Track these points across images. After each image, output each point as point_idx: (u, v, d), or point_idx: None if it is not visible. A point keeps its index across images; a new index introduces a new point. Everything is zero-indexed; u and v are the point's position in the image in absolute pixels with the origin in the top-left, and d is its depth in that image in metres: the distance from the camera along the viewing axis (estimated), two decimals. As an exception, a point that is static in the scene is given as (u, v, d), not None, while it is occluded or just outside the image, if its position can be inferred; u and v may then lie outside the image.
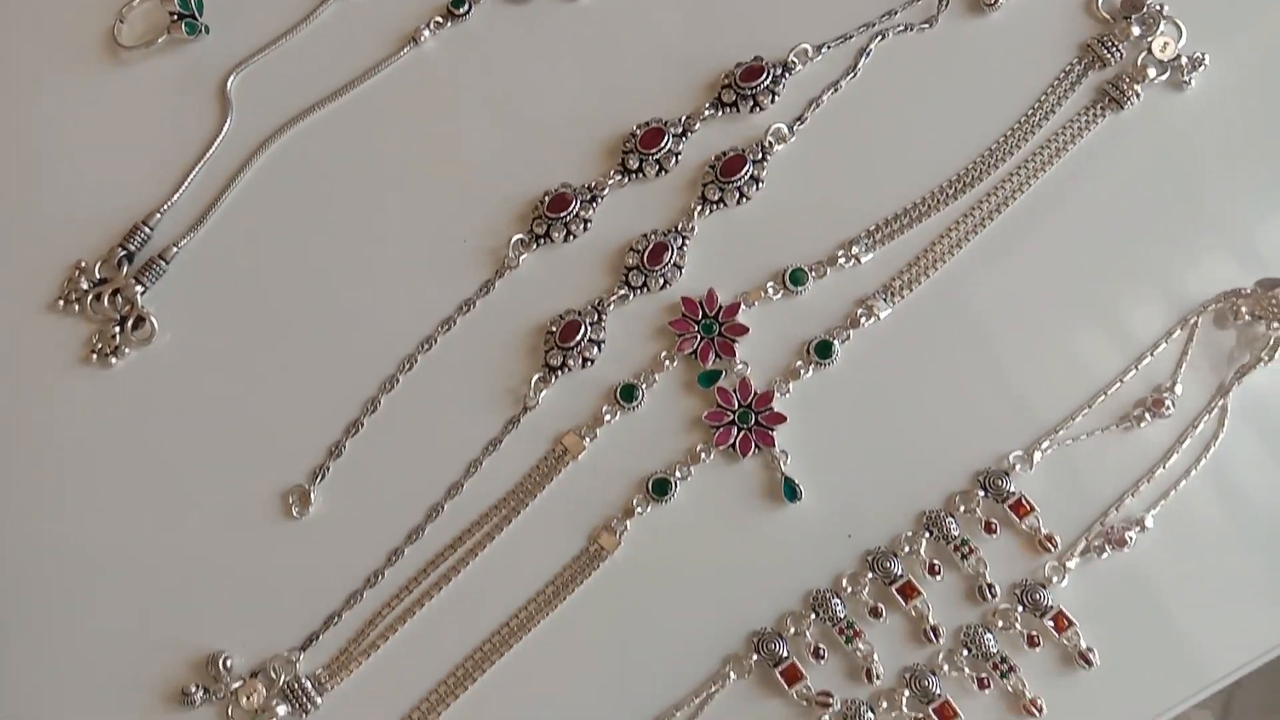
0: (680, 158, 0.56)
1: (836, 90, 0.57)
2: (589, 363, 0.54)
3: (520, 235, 0.55)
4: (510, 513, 0.52)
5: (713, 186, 0.55)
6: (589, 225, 0.56)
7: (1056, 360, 0.54)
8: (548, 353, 0.54)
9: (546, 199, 0.55)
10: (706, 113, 0.57)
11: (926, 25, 0.58)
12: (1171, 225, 0.55)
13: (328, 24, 0.59)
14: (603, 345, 0.54)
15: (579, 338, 0.53)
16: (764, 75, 0.56)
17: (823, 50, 0.58)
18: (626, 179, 0.56)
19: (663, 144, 0.56)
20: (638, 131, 0.56)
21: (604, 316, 0.54)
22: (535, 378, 0.53)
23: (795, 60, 0.57)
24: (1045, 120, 0.57)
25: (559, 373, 0.53)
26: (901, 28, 0.58)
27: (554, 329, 0.54)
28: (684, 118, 0.57)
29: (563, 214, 0.55)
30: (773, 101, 0.57)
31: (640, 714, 0.50)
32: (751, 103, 0.57)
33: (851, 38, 0.58)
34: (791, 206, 0.56)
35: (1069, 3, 0.59)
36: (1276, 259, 0.54)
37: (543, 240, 0.55)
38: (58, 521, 0.52)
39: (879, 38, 0.58)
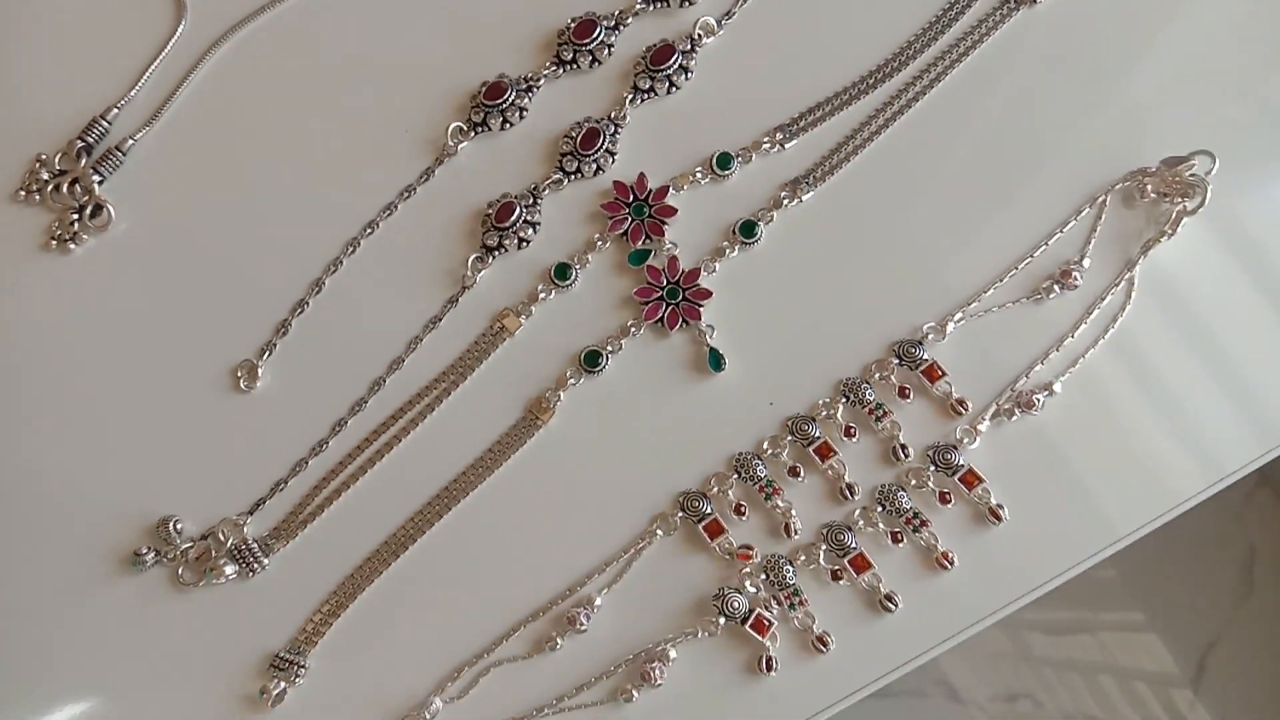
0: (613, 50, 0.56)
1: (763, -14, 0.57)
2: (525, 244, 0.53)
3: (459, 124, 0.55)
4: (450, 386, 0.52)
5: (644, 76, 0.55)
6: (525, 114, 0.55)
7: (970, 239, 0.53)
8: (485, 234, 0.53)
9: (483, 88, 0.55)
10: (639, 7, 0.56)
11: (850, -75, 0.57)
12: (1080, 111, 0.55)
13: (276, -71, 0.58)
14: (538, 228, 0.54)
15: (514, 218, 0.53)
16: (693, -29, 0.56)
17: (750, -52, 0.57)
18: (562, 70, 0.56)
19: (595, 36, 0.55)
20: (571, 24, 0.55)
21: (540, 200, 0.54)
22: (473, 258, 0.53)
23: (723, -43, 0.57)
24: (962, 14, 0.57)
25: (496, 253, 0.53)
26: (826, -73, 0.57)
27: (490, 211, 0.53)
28: (617, 11, 0.56)
29: (499, 101, 0.54)
30: (702, -4, 0.56)
31: (573, 570, 0.50)
32: (681, -3, 0.56)
33: (778, -63, 0.57)
34: (719, 96, 0.55)
35: (987, -97, 0.58)
36: (1178, 139, 0.54)
37: (480, 129, 0.55)
38: (16, 396, 0.52)
39: (804, -63, 0.57)
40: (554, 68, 0.55)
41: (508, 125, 0.54)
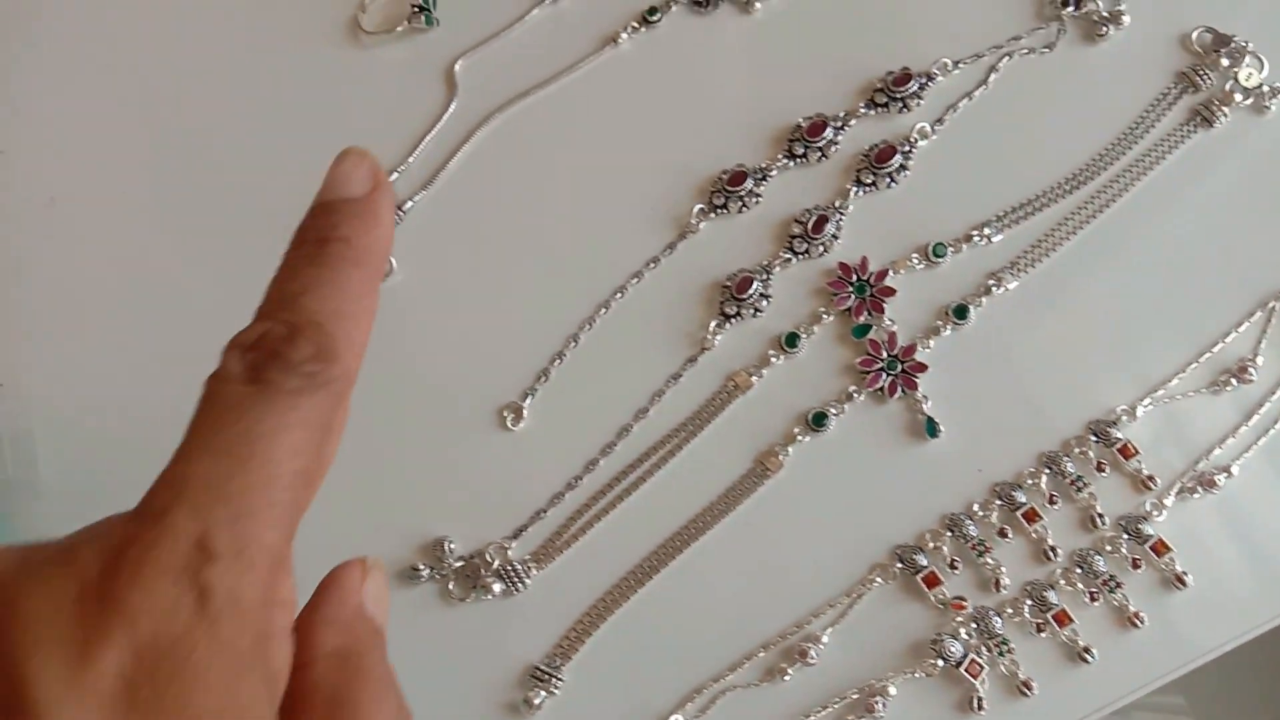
0: (838, 147, 0.61)
1: (971, 99, 0.62)
2: (758, 313, 0.58)
3: (701, 205, 0.60)
4: (689, 435, 0.57)
5: (866, 172, 0.60)
6: (760, 200, 0.61)
7: (1155, 332, 0.58)
8: (723, 303, 0.58)
9: (725, 175, 0.60)
10: (862, 111, 0.62)
11: (1047, 50, 0.63)
12: (1252, 225, 0.60)
13: (540, 24, 0.64)
14: (770, 299, 0.59)
15: (751, 291, 0.58)
16: (911, 82, 0.62)
17: (960, 65, 0.63)
18: (792, 163, 0.61)
19: (824, 134, 0.61)
20: (803, 123, 0.61)
21: (771, 276, 0.59)
22: (713, 323, 0.58)
23: (937, 71, 0.62)
24: (1146, 133, 0.62)
25: (733, 320, 0.58)
26: (1026, 50, 0.63)
27: (730, 283, 0.59)
28: (843, 114, 0.62)
29: (739, 188, 0.60)
30: (918, 105, 0.62)
31: (798, 609, 0.54)
32: (900, 104, 0.62)
33: (984, 56, 0.63)
34: (932, 192, 0.61)
35: (1167, 36, 0.63)
36: (1346, 255, 0.59)
37: (720, 210, 0.60)
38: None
39: (1007, 57, 0.63)
40: (785, 160, 0.61)
41: (744, 209, 0.60)
